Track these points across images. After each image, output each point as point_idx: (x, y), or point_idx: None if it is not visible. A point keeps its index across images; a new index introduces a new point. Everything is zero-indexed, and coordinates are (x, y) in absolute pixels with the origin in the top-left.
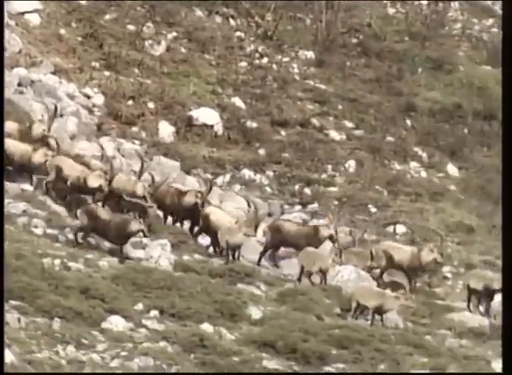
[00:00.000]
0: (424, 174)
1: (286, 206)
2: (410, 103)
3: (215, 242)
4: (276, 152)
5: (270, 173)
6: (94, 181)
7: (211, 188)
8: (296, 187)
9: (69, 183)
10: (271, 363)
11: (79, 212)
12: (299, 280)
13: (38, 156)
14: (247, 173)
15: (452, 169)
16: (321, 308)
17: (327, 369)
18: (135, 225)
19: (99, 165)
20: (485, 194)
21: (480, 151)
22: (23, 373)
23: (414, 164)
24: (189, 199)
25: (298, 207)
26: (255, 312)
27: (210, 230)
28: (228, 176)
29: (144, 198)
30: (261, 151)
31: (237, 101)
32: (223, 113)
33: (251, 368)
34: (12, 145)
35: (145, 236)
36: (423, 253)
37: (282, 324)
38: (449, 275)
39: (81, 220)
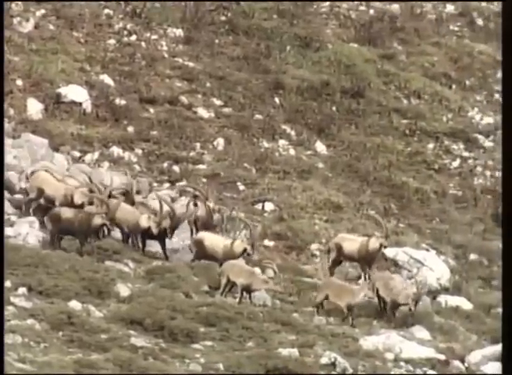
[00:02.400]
0: (292, 152)
1: (155, 184)
2: (278, 81)
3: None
4: (145, 130)
5: (139, 151)
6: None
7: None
8: (165, 164)
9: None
10: (139, 340)
11: (45, 219)
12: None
13: None
14: (116, 150)
15: (320, 147)
16: (189, 286)
17: (195, 346)
18: (98, 219)
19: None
20: (353, 172)
21: (348, 129)
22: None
23: (282, 142)
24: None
25: (167, 185)
26: (123, 290)
27: (207, 256)
28: (96, 154)
29: (148, 229)
30: (130, 129)
31: (106, 79)
32: (91, 91)
33: (119, 345)
34: None
35: (109, 230)
36: (370, 241)
37: (150, 302)
38: (317, 253)
39: (47, 226)
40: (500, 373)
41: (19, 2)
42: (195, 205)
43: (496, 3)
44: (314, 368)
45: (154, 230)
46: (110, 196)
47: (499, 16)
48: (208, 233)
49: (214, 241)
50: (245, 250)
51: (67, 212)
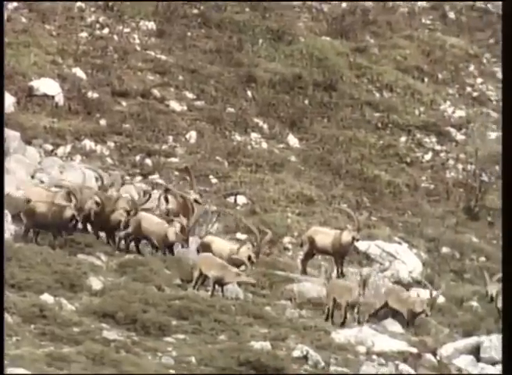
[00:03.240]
0: (264, 145)
1: (127, 177)
2: (250, 74)
3: None
4: (117, 123)
5: (111, 144)
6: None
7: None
8: (137, 157)
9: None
10: (111, 334)
11: (21, 214)
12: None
13: None
14: (88, 143)
15: (292, 140)
16: (161, 279)
17: (167, 339)
18: (69, 211)
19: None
20: (325, 165)
21: (320, 123)
22: (23, 374)
23: (254, 135)
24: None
25: (139, 178)
26: (95, 283)
27: None
28: (69, 147)
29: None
30: (102, 122)
31: (78, 72)
32: (64, 84)
33: (91, 338)
34: None
35: (77, 221)
36: (343, 235)
37: (122, 295)
38: (289, 246)
39: (23, 220)
40: (475, 364)
41: None
42: (166, 199)
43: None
44: (286, 361)
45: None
46: (137, 210)
47: (472, 10)
48: (216, 238)
49: (221, 245)
50: (250, 257)
51: (41, 207)
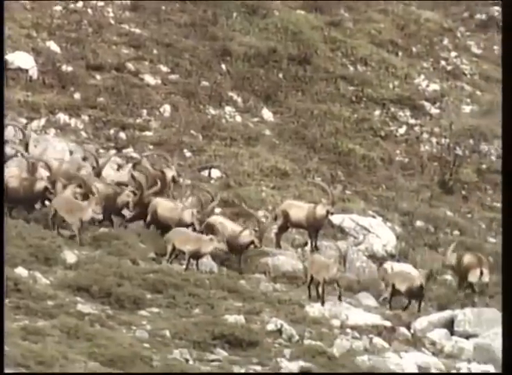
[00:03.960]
0: (239, 119)
1: (102, 150)
2: (225, 48)
3: None
4: (91, 97)
5: (85, 118)
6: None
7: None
8: (112, 131)
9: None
10: (85, 307)
11: None
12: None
13: None
14: (62, 117)
15: (267, 114)
16: (136, 253)
17: (141, 313)
18: (41, 183)
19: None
20: (300, 139)
21: (294, 96)
22: (22, 373)
23: (229, 109)
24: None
25: (113, 151)
26: (70, 257)
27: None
28: (43, 121)
29: (192, 225)
30: (76, 96)
31: (52, 46)
32: (38, 57)
33: (66, 312)
34: None
35: (50, 193)
36: (317, 208)
37: (96, 268)
38: (263, 219)
39: None
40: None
41: None
42: (132, 176)
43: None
44: (260, 334)
45: (198, 227)
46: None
47: None
48: (222, 218)
49: (224, 227)
50: (252, 242)
51: (13, 182)
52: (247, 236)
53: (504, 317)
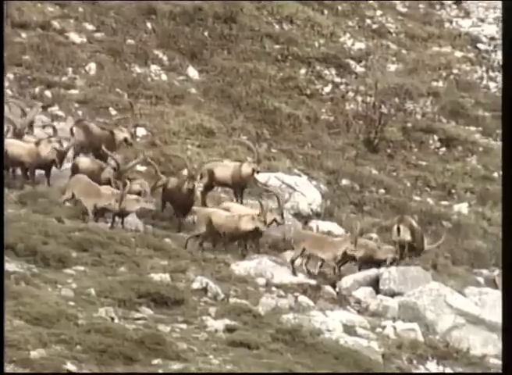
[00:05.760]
0: (164, 77)
1: (27, 109)
2: (150, 6)
3: None
4: (17, 54)
5: (10, 76)
6: None
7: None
8: (37, 89)
9: None
10: (11, 266)
11: None
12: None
13: None
14: None
15: (192, 72)
16: (61, 211)
17: (67, 271)
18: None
19: None
20: (225, 97)
21: (220, 55)
22: (23, 373)
23: (154, 67)
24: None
25: (39, 109)
26: None
27: None
28: None
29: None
30: None
31: None
32: None
33: None
34: None
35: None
36: (243, 167)
37: (22, 226)
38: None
39: None
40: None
41: None
42: (71, 131)
43: None
44: (185, 293)
45: (114, 185)
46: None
47: None
48: (235, 204)
49: (241, 211)
50: (275, 220)
51: None
52: (269, 216)
53: (504, 317)
